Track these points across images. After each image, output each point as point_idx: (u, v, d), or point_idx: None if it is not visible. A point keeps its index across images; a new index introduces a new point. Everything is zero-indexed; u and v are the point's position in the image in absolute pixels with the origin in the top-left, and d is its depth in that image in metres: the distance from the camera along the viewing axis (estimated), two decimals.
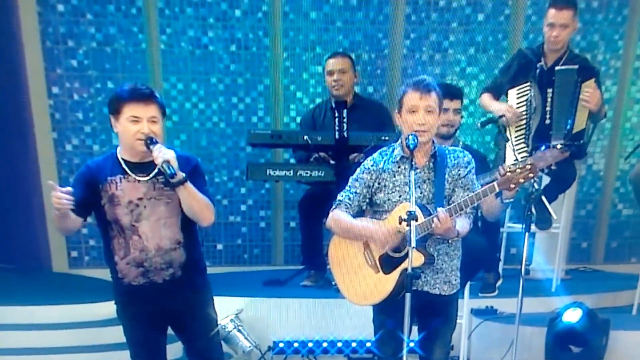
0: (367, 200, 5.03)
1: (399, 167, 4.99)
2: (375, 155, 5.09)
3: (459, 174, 4.98)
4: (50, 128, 8.61)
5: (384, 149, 5.11)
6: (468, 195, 4.92)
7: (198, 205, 4.70)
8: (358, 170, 5.08)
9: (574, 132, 6.91)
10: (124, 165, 4.78)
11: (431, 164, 4.97)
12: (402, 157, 4.99)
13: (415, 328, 4.95)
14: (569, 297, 7.08)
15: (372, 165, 5.03)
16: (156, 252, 4.76)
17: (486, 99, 7.19)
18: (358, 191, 5.02)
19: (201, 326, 4.89)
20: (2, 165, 8.80)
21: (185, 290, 4.83)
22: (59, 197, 4.58)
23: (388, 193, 4.98)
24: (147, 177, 4.74)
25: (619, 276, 8.68)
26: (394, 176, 4.98)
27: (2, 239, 8.80)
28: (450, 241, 4.99)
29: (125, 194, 4.73)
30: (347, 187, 5.08)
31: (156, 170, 4.72)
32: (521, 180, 4.95)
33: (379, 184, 5.00)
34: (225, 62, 8.80)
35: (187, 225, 4.81)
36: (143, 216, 4.74)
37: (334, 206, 5.06)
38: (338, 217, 5.02)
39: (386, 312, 4.97)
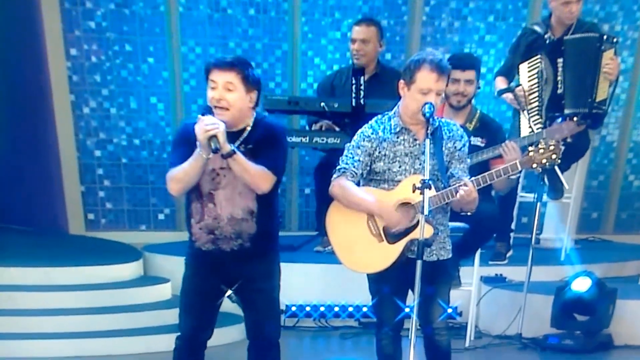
0: (368, 168, 4.95)
1: (398, 138, 4.91)
2: (372, 122, 5.00)
3: (455, 147, 4.93)
4: (68, 90, 8.53)
5: (379, 117, 5.01)
6: (463, 167, 4.91)
7: (249, 176, 4.64)
8: (356, 137, 4.97)
9: (597, 101, 6.93)
10: None
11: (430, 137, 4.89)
12: (402, 128, 4.92)
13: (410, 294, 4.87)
14: (578, 266, 7.10)
15: (372, 133, 4.94)
16: (228, 221, 4.74)
17: (499, 83, 7.24)
18: (361, 159, 4.91)
19: (260, 299, 4.85)
20: (20, 129, 8.82)
21: (250, 262, 4.81)
22: (211, 120, 4.56)
23: (388, 163, 4.90)
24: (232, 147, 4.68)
25: (628, 247, 8.68)
26: (394, 146, 4.91)
27: (19, 201, 8.84)
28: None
29: (210, 161, 4.70)
30: (347, 154, 4.96)
31: (241, 139, 4.72)
32: (544, 161, 4.95)
33: (380, 152, 4.91)
34: (243, 26, 8.71)
35: (264, 196, 4.76)
36: (221, 185, 4.73)
37: (337, 174, 4.95)
38: (345, 186, 4.91)
39: (382, 279, 4.94)
